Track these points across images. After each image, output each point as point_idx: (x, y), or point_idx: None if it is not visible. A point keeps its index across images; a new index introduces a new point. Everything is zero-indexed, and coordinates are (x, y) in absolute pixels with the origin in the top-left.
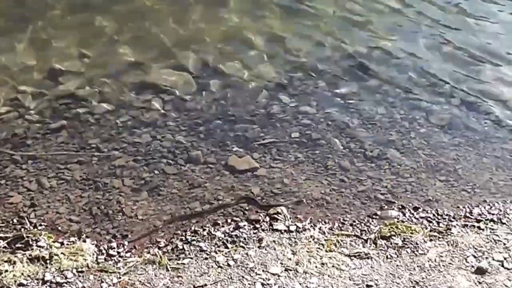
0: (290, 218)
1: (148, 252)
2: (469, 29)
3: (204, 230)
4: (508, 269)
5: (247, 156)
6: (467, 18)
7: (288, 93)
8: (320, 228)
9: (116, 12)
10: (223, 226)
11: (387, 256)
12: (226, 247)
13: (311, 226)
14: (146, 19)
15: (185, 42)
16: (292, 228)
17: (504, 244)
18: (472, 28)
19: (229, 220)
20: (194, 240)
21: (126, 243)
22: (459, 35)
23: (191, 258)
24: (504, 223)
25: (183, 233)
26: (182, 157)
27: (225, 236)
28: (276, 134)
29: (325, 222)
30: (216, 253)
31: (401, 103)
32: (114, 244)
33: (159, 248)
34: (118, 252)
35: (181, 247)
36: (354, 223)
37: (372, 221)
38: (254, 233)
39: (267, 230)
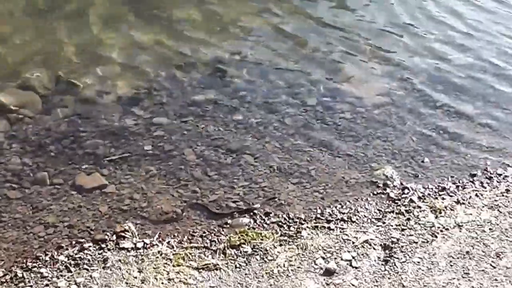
0: (138, 235)
1: None
2: (329, 30)
3: (46, 255)
4: (356, 267)
5: (96, 173)
6: (327, 20)
7: (141, 106)
8: (168, 243)
9: None
10: (67, 249)
11: (236, 266)
12: (69, 271)
13: (159, 241)
14: None
15: (35, 58)
16: (140, 245)
17: (353, 242)
18: (331, 29)
19: (73, 242)
20: (35, 266)
21: None
22: (318, 37)
23: (31, 286)
24: (354, 222)
25: (24, 260)
26: (27, 179)
27: (68, 259)
28: (128, 148)
29: (174, 236)
30: (58, 278)
31: (258, 108)
32: None
33: None
34: None
35: (20, 275)
36: (204, 234)
37: (223, 230)
38: (99, 254)
39: (113, 249)
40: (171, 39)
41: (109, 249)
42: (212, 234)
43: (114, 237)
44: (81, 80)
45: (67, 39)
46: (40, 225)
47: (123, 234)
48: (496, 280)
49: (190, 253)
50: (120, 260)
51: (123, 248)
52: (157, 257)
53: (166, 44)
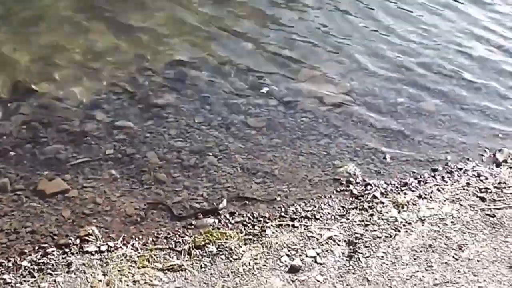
0: (102, 238)
1: None
2: (289, 30)
3: (9, 261)
4: (320, 264)
5: (58, 178)
6: (287, 21)
7: (103, 110)
8: (133, 245)
9: None
10: (30, 255)
11: (201, 266)
12: (33, 276)
13: (124, 243)
14: None
15: None
16: (104, 248)
17: (317, 239)
18: (292, 28)
19: (36, 247)
20: None
21: None
22: (279, 38)
23: None
24: (318, 219)
25: None
26: None
27: (31, 264)
28: (90, 152)
29: (138, 238)
30: (22, 283)
31: (220, 109)
32: None
33: None
34: None
35: None
36: (169, 236)
37: (188, 231)
38: (63, 258)
39: (77, 253)
40: (131, 43)
41: (73, 253)
42: (177, 236)
43: (78, 241)
44: (40, 85)
45: (25, 45)
46: (1, 231)
47: (87, 238)
48: (459, 271)
49: (155, 255)
50: (84, 264)
51: (87, 252)
52: (122, 260)
53: (126, 48)
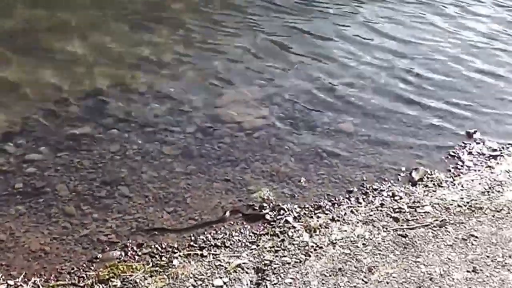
0: (2, 277)
1: None
2: (210, 55)
3: None
4: None
5: None
6: (209, 45)
7: (15, 143)
8: (34, 282)
9: None
10: None
11: None
12: None
13: (24, 281)
14: None
15: None
16: (3, 287)
17: (226, 268)
18: (216, 53)
19: None
20: None
21: None
22: (200, 63)
23: None
24: (228, 246)
25: None
26: None
27: None
28: None
29: (40, 275)
30: None
31: (136, 138)
32: None
33: None
34: None
35: None
36: (73, 271)
37: (93, 265)
38: None
39: None
40: (50, 73)
41: None
42: (81, 270)
43: None
44: None
45: None
46: None
47: None
48: None
49: None
50: None
51: None
52: None
53: (44, 78)
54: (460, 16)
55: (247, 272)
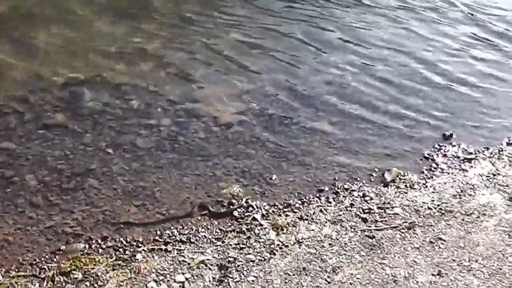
0: None
1: None
2: (191, 48)
3: None
4: None
5: None
6: (190, 40)
7: None
8: None
9: None
10: None
11: None
12: None
13: None
14: None
15: None
16: None
17: (189, 264)
18: (194, 48)
19: None
20: None
21: None
22: (180, 57)
23: None
24: (193, 242)
25: None
26: None
27: None
28: None
29: (1, 265)
30: None
31: (109, 130)
32: None
33: None
34: None
35: None
36: (35, 262)
37: (55, 257)
38: None
39: None
40: (28, 62)
41: None
42: (43, 261)
43: None
44: None
45: None
46: None
47: None
48: None
49: (16, 282)
50: None
51: None
52: None
53: (20, 67)
54: (439, 22)
55: (210, 269)
